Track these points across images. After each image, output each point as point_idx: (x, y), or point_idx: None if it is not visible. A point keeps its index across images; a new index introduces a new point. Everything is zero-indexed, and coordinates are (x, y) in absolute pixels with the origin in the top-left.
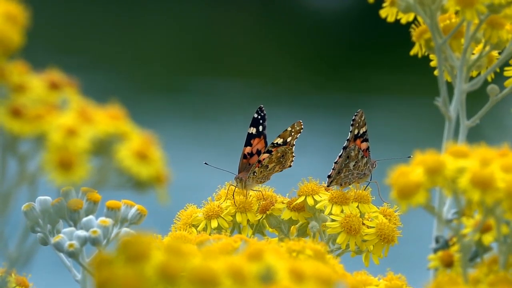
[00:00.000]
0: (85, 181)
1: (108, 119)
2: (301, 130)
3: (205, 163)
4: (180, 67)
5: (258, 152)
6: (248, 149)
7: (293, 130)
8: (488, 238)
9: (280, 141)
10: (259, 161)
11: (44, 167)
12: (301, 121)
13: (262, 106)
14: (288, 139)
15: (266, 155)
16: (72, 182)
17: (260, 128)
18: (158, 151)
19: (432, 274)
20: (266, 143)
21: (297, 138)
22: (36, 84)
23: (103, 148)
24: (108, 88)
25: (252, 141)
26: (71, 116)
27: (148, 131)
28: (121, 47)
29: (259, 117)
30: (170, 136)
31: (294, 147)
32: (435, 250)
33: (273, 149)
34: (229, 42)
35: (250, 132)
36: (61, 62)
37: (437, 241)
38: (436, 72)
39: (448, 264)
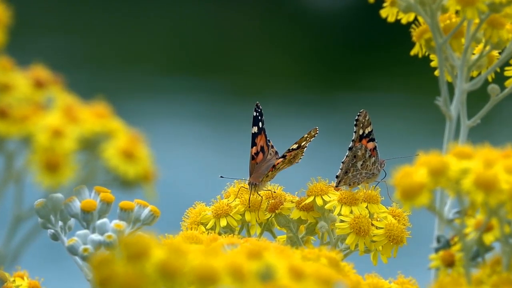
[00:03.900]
0: (72, 180)
1: (94, 117)
2: (316, 135)
3: (221, 176)
4: (180, 67)
5: (262, 149)
6: (254, 149)
7: (308, 135)
8: (489, 238)
9: (295, 146)
10: (274, 166)
11: (31, 169)
12: (317, 127)
13: (258, 102)
14: (303, 143)
15: (281, 160)
16: (59, 183)
17: (260, 124)
18: (145, 149)
19: (434, 273)
20: (266, 137)
21: (310, 141)
22: (21, 82)
23: (89, 146)
24: (107, 87)
25: (256, 140)
26: (57, 116)
27: (135, 129)
28: (121, 46)
29: (258, 114)
30: (171, 136)
31: (305, 148)
32: (437, 250)
33: (287, 154)
34: (228, 41)
35: (253, 132)
36: (60, 60)
37: (438, 240)
38: (436, 72)
39: (450, 263)
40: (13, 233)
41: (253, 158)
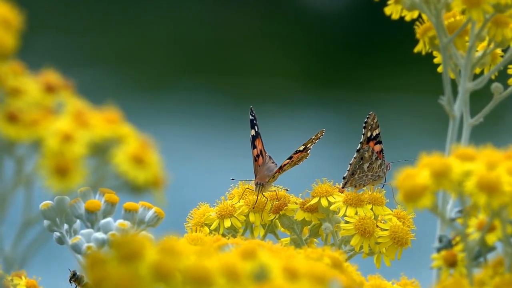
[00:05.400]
0: (82, 185)
1: (104, 122)
2: (321, 137)
3: (232, 179)
4: (180, 67)
5: (261, 152)
6: (255, 151)
7: (315, 137)
8: (491, 238)
9: (302, 148)
10: (280, 167)
11: (41, 173)
12: (324, 129)
13: (251, 107)
14: (309, 145)
15: (288, 161)
16: (69, 188)
17: (256, 128)
18: (155, 155)
19: (436, 273)
20: (262, 141)
21: (315, 143)
22: (31, 87)
23: (99, 152)
24: (107, 87)
25: (255, 143)
26: (67, 121)
27: (145, 134)
28: (120, 47)
29: (253, 118)
30: (171, 136)
31: (310, 150)
32: (439, 250)
33: (294, 156)
34: (228, 41)
35: (252, 134)
36: (59, 60)
37: (440, 240)
38: (439, 69)
39: (452, 263)
40: (22, 237)
41: (255, 160)
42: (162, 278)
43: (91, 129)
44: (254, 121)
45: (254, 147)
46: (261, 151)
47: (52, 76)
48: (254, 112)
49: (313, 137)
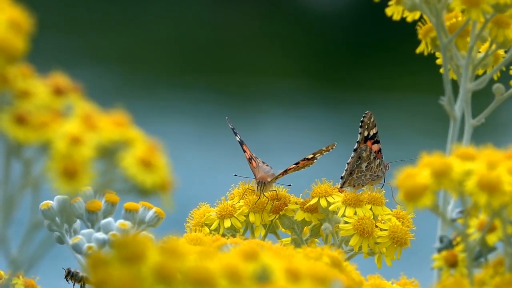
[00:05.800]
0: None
1: (112, 125)
2: (331, 150)
3: (235, 175)
4: (180, 67)
5: (251, 156)
6: (246, 155)
7: (325, 149)
8: (492, 238)
9: (310, 156)
10: (285, 170)
11: (48, 175)
12: (335, 143)
13: (227, 117)
14: (317, 155)
15: (294, 166)
16: (77, 190)
17: (239, 135)
18: (163, 158)
19: (436, 274)
20: (248, 147)
21: (323, 155)
22: (40, 89)
23: (108, 155)
24: (107, 87)
25: (243, 148)
26: (76, 124)
27: (153, 137)
28: (120, 46)
29: (232, 127)
30: (171, 136)
31: (316, 160)
32: (439, 250)
33: (301, 162)
34: (228, 41)
35: (238, 140)
36: (59, 60)
37: (441, 240)
38: (442, 70)
39: (452, 264)
40: (29, 240)
41: (249, 162)
42: (164, 279)
43: (99, 132)
44: (234, 130)
45: (244, 151)
46: (251, 155)
47: (60, 79)
48: (231, 122)
49: (324, 148)
